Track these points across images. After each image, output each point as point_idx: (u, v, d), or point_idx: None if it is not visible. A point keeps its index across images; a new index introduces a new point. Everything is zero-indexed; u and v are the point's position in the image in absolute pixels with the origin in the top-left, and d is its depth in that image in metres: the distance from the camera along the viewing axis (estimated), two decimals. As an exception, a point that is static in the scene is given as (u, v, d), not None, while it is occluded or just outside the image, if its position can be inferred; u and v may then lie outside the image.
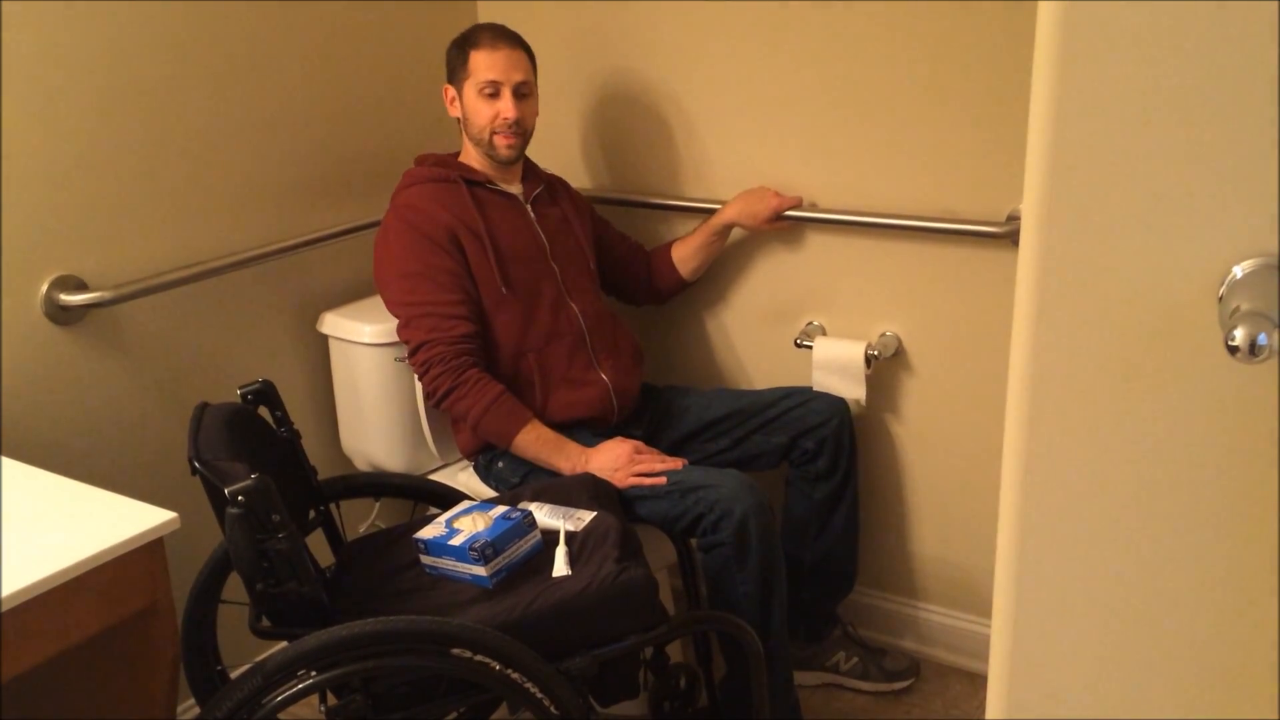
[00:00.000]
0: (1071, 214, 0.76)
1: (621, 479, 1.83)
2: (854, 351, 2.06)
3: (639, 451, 1.87)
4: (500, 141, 1.97)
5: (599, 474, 1.84)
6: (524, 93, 1.98)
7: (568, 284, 2.04)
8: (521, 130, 1.98)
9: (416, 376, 1.93)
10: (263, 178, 2.06)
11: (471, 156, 2.04)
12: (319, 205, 2.17)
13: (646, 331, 2.36)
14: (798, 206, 2.10)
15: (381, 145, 2.28)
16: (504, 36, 1.98)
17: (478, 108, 1.96)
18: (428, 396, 1.92)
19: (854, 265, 2.12)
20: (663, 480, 1.82)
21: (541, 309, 1.98)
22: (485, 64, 1.95)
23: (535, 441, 1.90)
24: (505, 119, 1.95)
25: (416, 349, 1.90)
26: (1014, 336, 0.81)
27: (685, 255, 2.19)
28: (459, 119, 2.02)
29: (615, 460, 1.85)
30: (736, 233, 2.19)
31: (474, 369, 1.88)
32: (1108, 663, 0.85)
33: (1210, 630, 0.80)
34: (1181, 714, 0.83)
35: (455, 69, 2.00)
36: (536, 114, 2.04)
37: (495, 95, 1.95)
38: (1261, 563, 0.77)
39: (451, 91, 2.02)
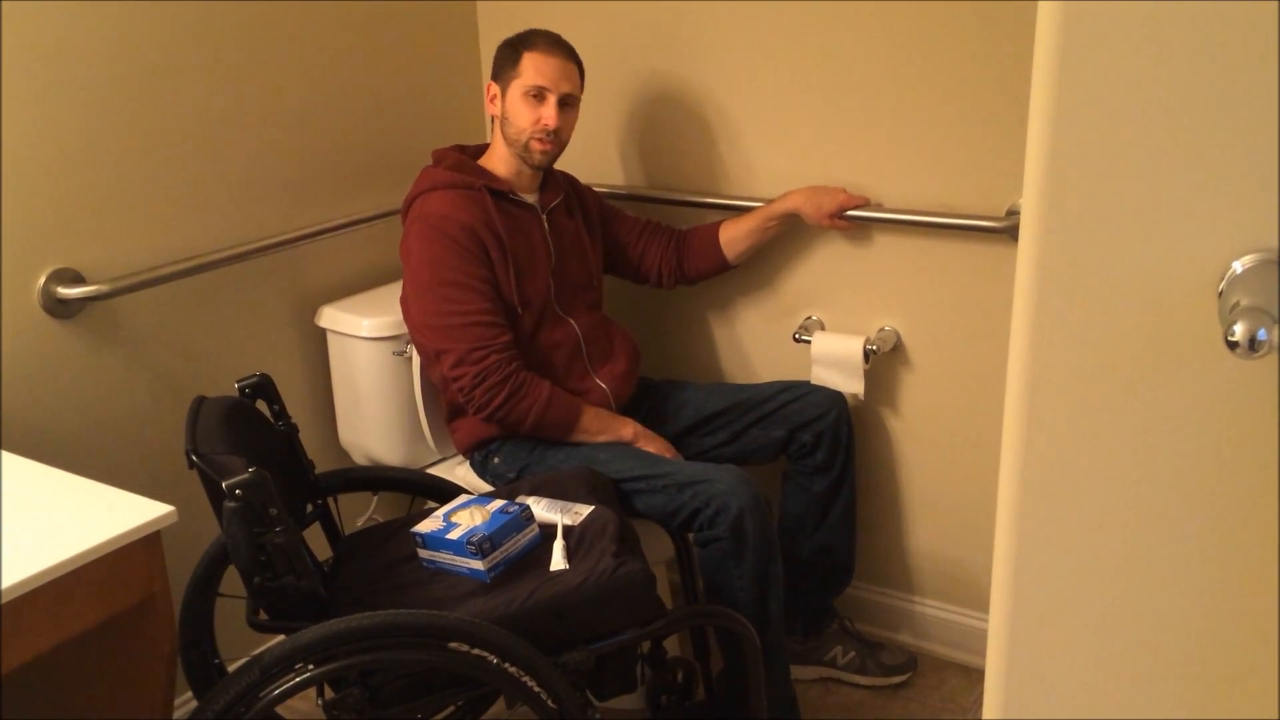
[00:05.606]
0: (1071, 209, 0.76)
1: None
2: (853, 346, 2.06)
3: (642, 436, 1.93)
4: (536, 147, 1.94)
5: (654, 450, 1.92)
6: (568, 104, 1.96)
7: (568, 298, 2.03)
8: (558, 140, 1.96)
9: (458, 389, 1.86)
10: (261, 171, 2.06)
11: (498, 159, 1.99)
12: (318, 198, 2.17)
13: (645, 325, 2.36)
14: (864, 206, 2.05)
15: (380, 139, 2.28)
16: (560, 45, 1.95)
17: (520, 109, 1.93)
18: (477, 410, 1.87)
19: (853, 260, 2.11)
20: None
21: (543, 322, 1.98)
22: (537, 68, 1.92)
23: (595, 419, 1.93)
24: (546, 126, 1.92)
25: (462, 359, 1.84)
26: (1013, 331, 0.81)
27: (735, 236, 2.13)
28: (495, 117, 1.98)
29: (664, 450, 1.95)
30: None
31: (523, 371, 1.87)
32: (1105, 660, 0.85)
33: (1208, 627, 0.80)
34: (1179, 712, 0.83)
35: (503, 67, 1.96)
36: (573, 127, 2.01)
37: (540, 100, 1.93)
38: (1260, 559, 0.77)
39: (494, 88, 1.98)
